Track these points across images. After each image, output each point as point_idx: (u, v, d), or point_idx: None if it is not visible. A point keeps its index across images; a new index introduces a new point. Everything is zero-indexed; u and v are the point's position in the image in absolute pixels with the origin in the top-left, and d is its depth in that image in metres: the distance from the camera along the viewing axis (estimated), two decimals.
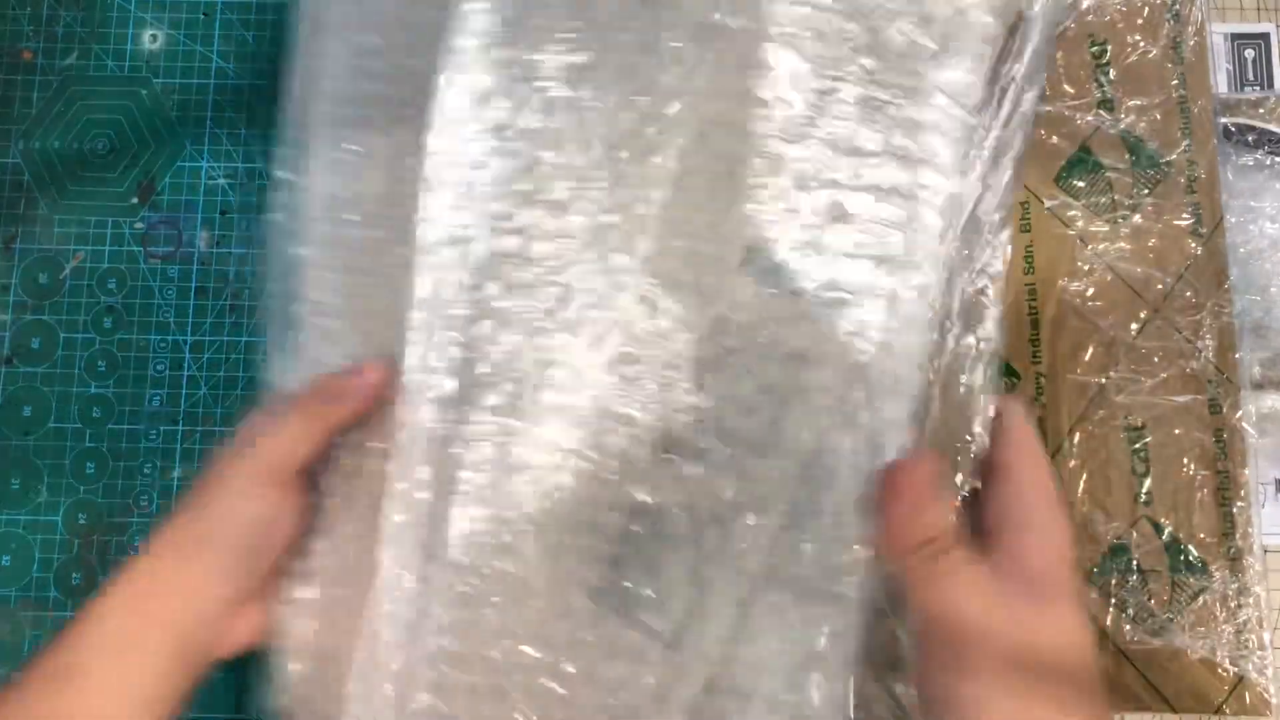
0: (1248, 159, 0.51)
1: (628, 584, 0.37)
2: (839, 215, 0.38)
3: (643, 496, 0.38)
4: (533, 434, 0.38)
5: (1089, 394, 0.47)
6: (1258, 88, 0.55)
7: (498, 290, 0.39)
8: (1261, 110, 0.53)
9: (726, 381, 0.38)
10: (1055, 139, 0.49)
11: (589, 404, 0.38)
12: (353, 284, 0.43)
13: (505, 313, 0.39)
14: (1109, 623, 0.46)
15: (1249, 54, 0.56)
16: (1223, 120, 0.51)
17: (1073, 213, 0.49)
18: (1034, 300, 0.48)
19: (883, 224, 0.38)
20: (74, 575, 0.51)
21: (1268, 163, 0.51)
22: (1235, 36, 0.56)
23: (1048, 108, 0.50)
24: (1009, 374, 0.48)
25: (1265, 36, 0.56)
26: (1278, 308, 0.50)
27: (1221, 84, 0.55)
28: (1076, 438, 0.47)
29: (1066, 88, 0.50)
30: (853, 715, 0.36)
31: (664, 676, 0.37)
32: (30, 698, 0.35)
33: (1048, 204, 0.49)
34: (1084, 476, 0.47)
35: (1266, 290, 0.51)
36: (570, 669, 0.37)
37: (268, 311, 0.45)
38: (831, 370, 0.37)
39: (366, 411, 0.41)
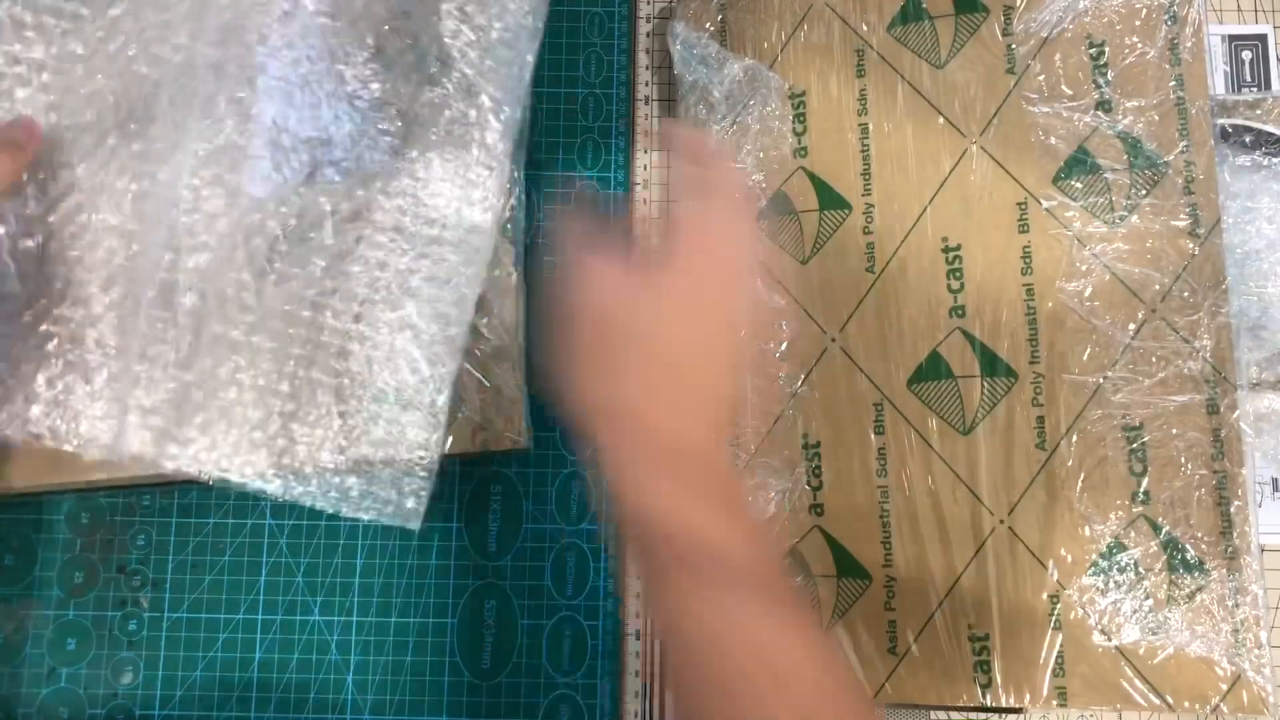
0: (1244, 160, 0.52)
1: None
2: None
3: None
4: None
5: (1087, 394, 0.48)
6: (1255, 89, 0.56)
7: None
8: (1259, 111, 0.53)
9: None
10: (1053, 140, 0.50)
11: None
12: None
13: None
14: (1107, 621, 0.46)
15: (1246, 55, 0.56)
16: (1220, 121, 0.51)
17: (1070, 213, 0.49)
18: (1031, 300, 0.49)
19: None
20: (76, 574, 0.52)
21: (1265, 163, 0.52)
22: (1233, 38, 0.56)
23: (1045, 108, 0.50)
24: (1007, 374, 0.48)
25: (1262, 38, 0.56)
26: (1274, 307, 0.50)
27: (1219, 85, 0.56)
28: (1074, 437, 0.47)
29: (1064, 89, 0.50)
30: None
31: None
32: None
33: (1045, 205, 0.49)
34: (1081, 476, 0.47)
35: (1263, 290, 0.51)
36: None
37: None
38: None
39: (24, 168, 0.45)
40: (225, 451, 0.48)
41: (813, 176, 0.52)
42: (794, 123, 0.53)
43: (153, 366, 0.48)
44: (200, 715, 0.51)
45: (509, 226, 0.53)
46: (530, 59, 0.52)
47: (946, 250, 0.50)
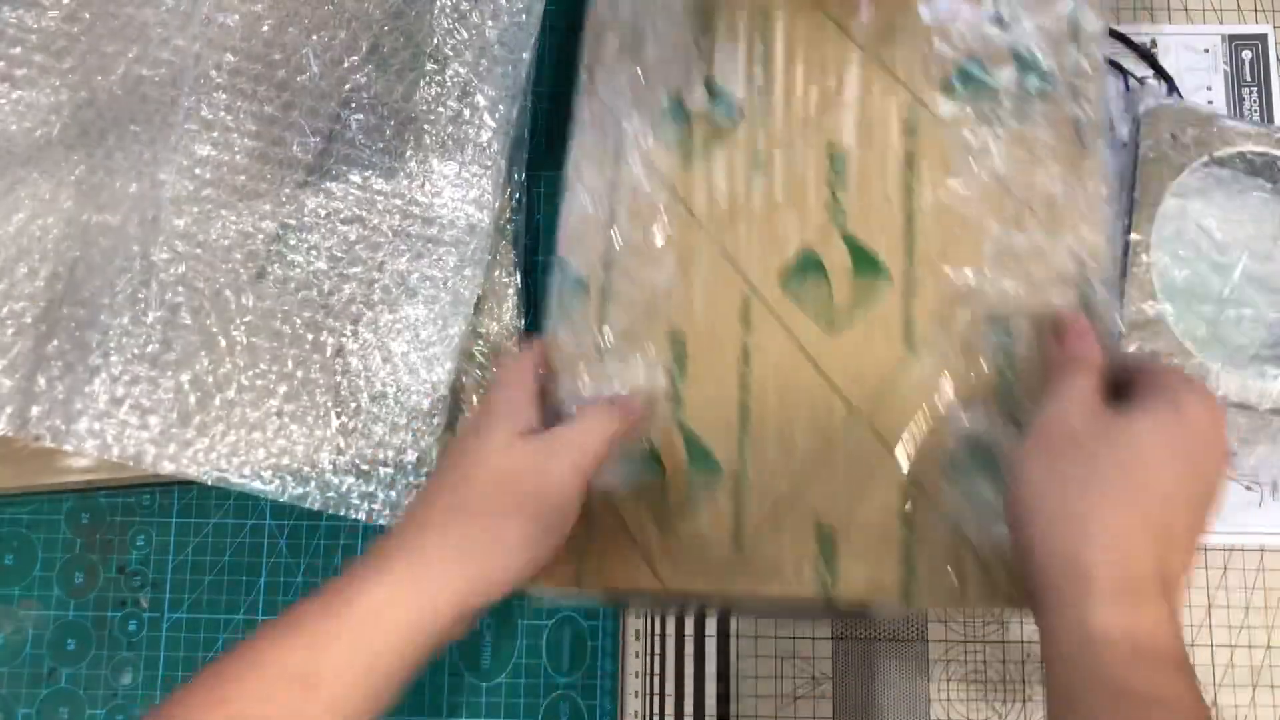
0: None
1: None
2: None
3: None
4: None
5: (958, 292, 0.46)
6: (1254, 89, 0.56)
7: None
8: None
9: None
10: (947, 48, 0.49)
11: None
12: None
13: None
14: (959, 521, 0.44)
15: (1246, 55, 0.56)
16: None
17: (959, 120, 0.48)
18: (910, 201, 0.48)
19: None
20: (76, 574, 0.52)
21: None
22: (1233, 38, 0.56)
23: (941, 18, 0.50)
24: (880, 273, 0.47)
25: (1262, 38, 0.56)
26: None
27: (1218, 85, 0.56)
28: (943, 336, 0.46)
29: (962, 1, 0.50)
30: None
31: None
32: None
33: (934, 111, 0.49)
34: (948, 374, 0.46)
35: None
36: None
37: None
38: None
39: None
40: (224, 452, 0.49)
41: (709, 83, 0.51)
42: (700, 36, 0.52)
43: (151, 367, 0.48)
44: None
45: (508, 227, 0.53)
46: (526, 57, 0.52)
47: (832, 156, 0.50)
